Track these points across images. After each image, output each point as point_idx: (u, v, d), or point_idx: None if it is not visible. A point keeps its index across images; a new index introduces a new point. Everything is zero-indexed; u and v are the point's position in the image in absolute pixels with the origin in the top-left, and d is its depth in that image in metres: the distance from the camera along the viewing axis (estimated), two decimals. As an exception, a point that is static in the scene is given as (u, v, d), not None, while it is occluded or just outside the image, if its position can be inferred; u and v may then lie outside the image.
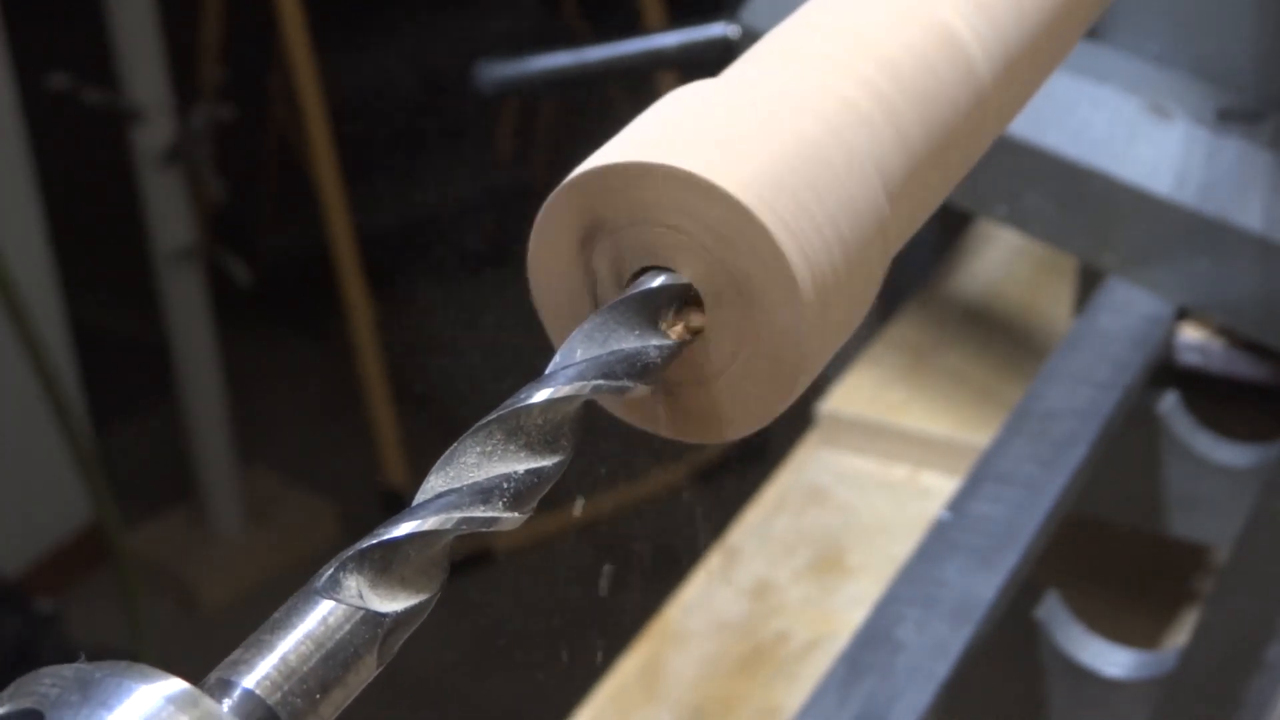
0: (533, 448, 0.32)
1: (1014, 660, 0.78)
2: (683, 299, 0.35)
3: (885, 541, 0.95)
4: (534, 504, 0.32)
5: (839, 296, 0.35)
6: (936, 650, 0.67)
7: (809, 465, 1.02)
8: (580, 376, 0.33)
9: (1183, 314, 0.88)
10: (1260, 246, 0.81)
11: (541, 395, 0.32)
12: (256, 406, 2.63)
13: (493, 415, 0.32)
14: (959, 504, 0.75)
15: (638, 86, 2.32)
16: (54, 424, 2.30)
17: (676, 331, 0.35)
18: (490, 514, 0.31)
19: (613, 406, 0.38)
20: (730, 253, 0.34)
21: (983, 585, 0.70)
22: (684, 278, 0.35)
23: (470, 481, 0.31)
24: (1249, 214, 0.82)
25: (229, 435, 2.35)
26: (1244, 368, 0.88)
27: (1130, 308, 0.88)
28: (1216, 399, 0.90)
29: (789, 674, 0.86)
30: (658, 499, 2.37)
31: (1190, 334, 0.89)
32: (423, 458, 2.32)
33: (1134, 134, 0.85)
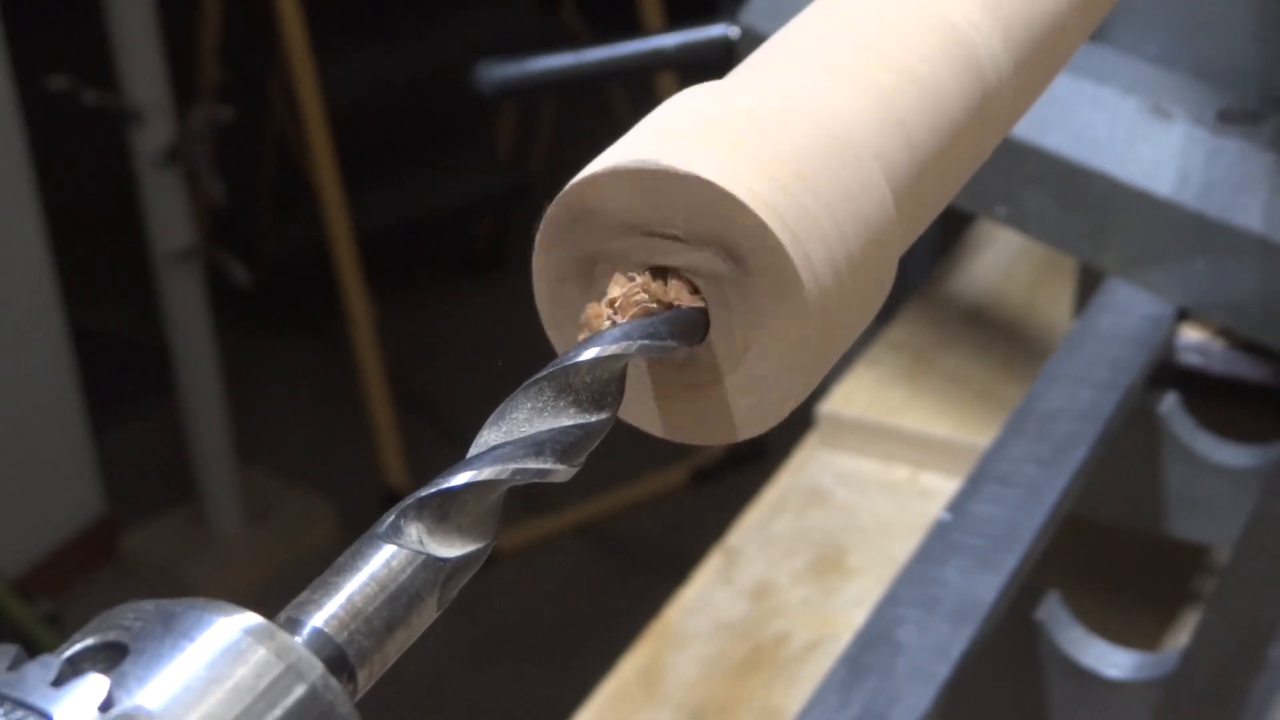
0: (581, 404, 0.33)
1: (1015, 661, 0.78)
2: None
3: (886, 542, 0.95)
4: (583, 458, 0.33)
5: (845, 299, 0.35)
6: (937, 651, 0.67)
7: (809, 466, 1.02)
8: (627, 336, 0.34)
9: (1183, 315, 0.88)
10: (1260, 247, 0.81)
11: (590, 353, 0.33)
12: (256, 406, 2.64)
13: (543, 373, 0.33)
14: (959, 505, 0.75)
15: (637, 87, 2.32)
16: (54, 424, 2.30)
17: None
18: (543, 465, 0.32)
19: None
20: (735, 255, 0.34)
21: (983, 586, 0.70)
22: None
23: (522, 435, 0.33)
24: (1249, 214, 0.82)
25: (229, 435, 2.35)
26: (1244, 368, 0.88)
27: (1130, 308, 0.88)
28: (1217, 400, 0.90)
29: (789, 675, 0.86)
30: (658, 500, 2.37)
31: (1190, 335, 0.89)
32: (423, 458, 2.33)
33: (1134, 135, 0.85)
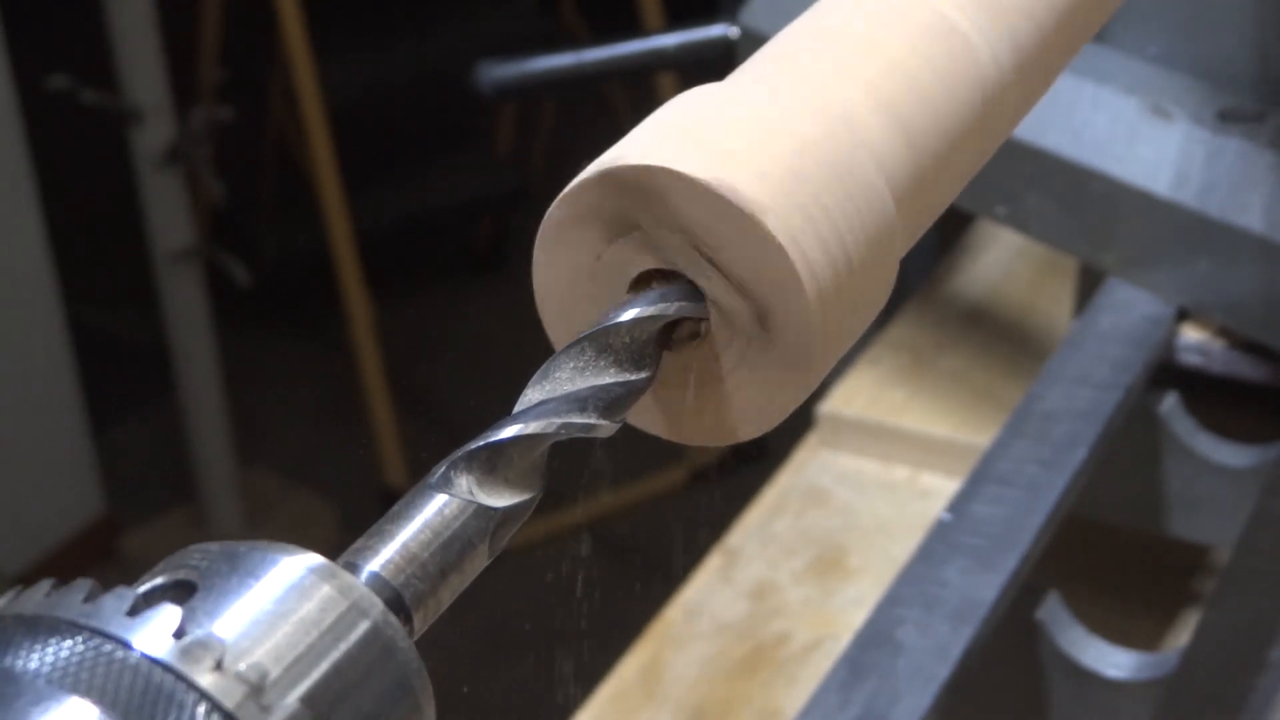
0: (621, 364, 0.34)
1: (1015, 662, 0.78)
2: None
3: (886, 543, 0.95)
4: (624, 414, 0.34)
5: (846, 300, 0.35)
6: (937, 652, 0.67)
7: (809, 466, 1.02)
8: (664, 299, 0.35)
9: (1183, 315, 0.88)
10: (1260, 246, 0.81)
11: (630, 314, 0.34)
12: (256, 407, 2.63)
13: (584, 334, 0.34)
14: (960, 505, 0.75)
15: (637, 87, 2.32)
16: (54, 424, 2.30)
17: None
18: (587, 420, 0.33)
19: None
20: (737, 257, 0.34)
21: (983, 586, 0.70)
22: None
23: (565, 392, 0.34)
24: (1249, 214, 0.82)
25: (229, 435, 2.35)
26: (1244, 368, 0.88)
27: (1130, 308, 0.87)
28: (1217, 400, 0.90)
29: (789, 675, 0.86)
30: (658, 500, 2.37)
31: (1191, 335, 0.89)
32: (423, 458, 2.32)
33: (1134, 135, 0.85)
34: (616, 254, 0.35)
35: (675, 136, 0.35)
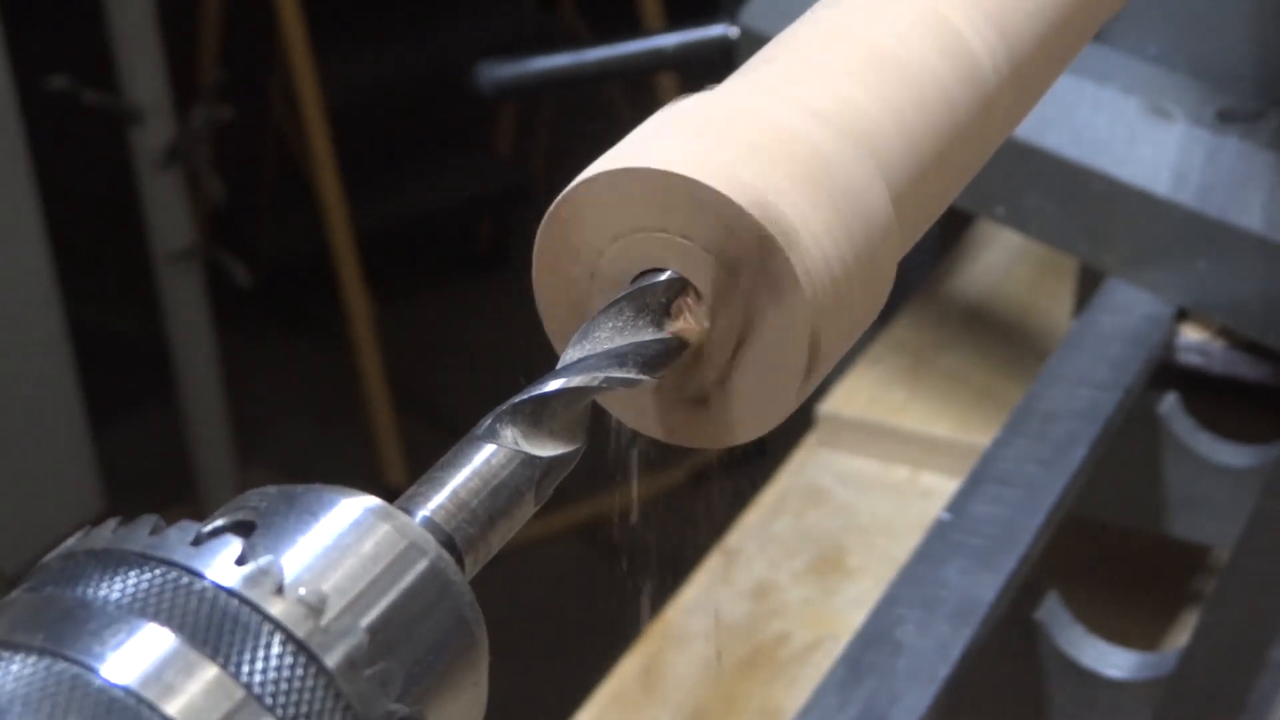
0: (659, 323, 0.35)
1: (1014, 661, 0.78)
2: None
3: (885, 542, 0.95)
4: (665, 370, 0.35)
5: (845, 301, 0.35)
6: (937, 651, 0.67)
7: (809, 466, 1.02)
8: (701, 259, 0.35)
9: (1183, 314, 0.88)
10: (1260, 246, 0.81)
11: (665, 274, 0.35)
12: (256, 406, 2.63)
13: (621, 295, 0.35)
14: (959, 505, 0.75)
15: (637, 87, 2.32)
16: (54, 424, 2.30)
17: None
18: (628, 375, 0.34)
19: (617, 411, 0.38)
20: (735, 257, 0.34)
21: (983, 586, 0.70)
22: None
23: (606, 349, 0.34)
24: (1249, 214, 0.82)
25: (229, 435, 2.34)
26: (1244, 368, 0.88)
27: (1130, 308, 0.87)
28: (1217, 400, 0.90)
29: (789, 675, 0.86)
30: (658, 500, 2.36)
31: (1190, 334, 0.89)
32: (423, 458, 2.32)
33: (1134, 134, 0.85)
34: (616, 255, 0.36)
35: (675, 138, 0.35)
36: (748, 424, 0.37)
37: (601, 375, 0.34)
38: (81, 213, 2.78)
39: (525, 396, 0.33)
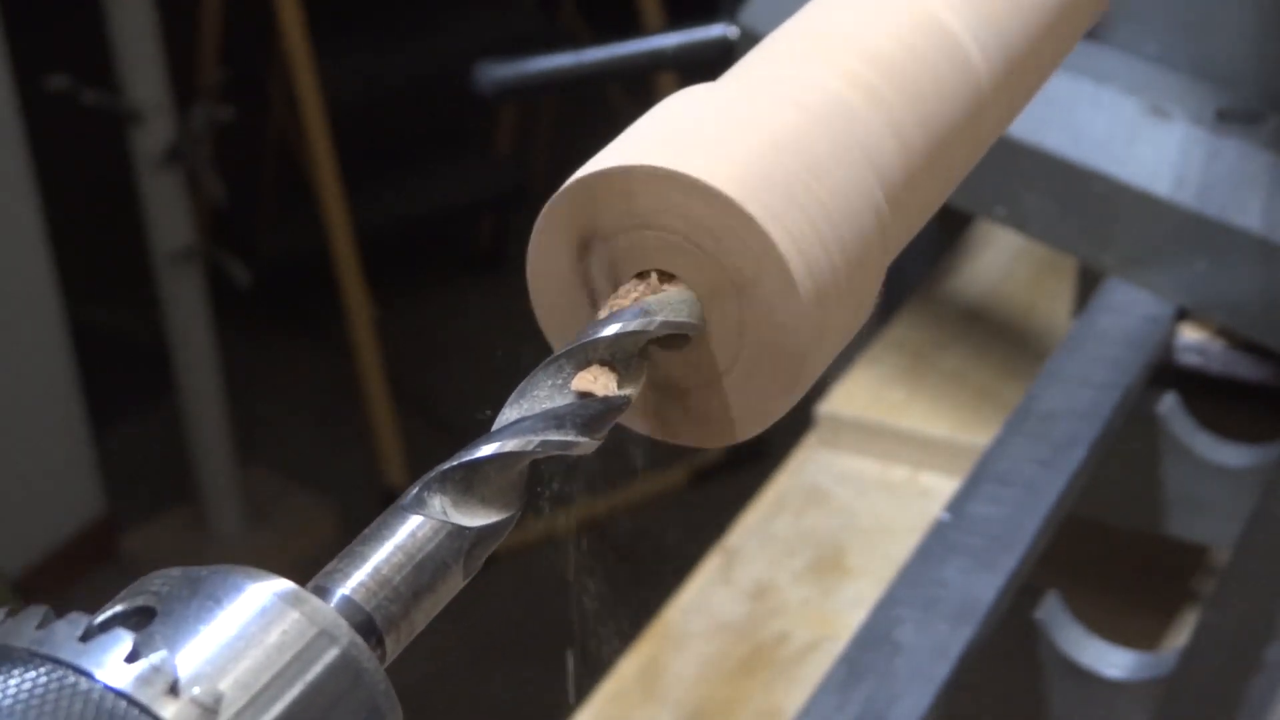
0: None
1: (1014, 662, 0.78)
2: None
3: (885, 542, 0.95)
4: (605, 431, 0.33)
5: (838, 297, 0.35)
6: (936, 652, 0.67)
7: (809, 466, 1.02)
8: (646, 313, 0.34)
9: (1182, 315, 0.88)
10: (1260, 246, 0.81)
11: (611, 329, 0.34)
12: (256, 406, 2.63)
13: (563, 350, 0.34)
14: (959, 505, 0.75)
15: (637, 87, 2.32)
16: (54, 424, 2.30)
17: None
18: (566, 437, 0.32)
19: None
20: (727, 254, 0.34)
21: (983, 586, 0.70)
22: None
23: (544, 409, 0.33)
24: (1249, 214, 0.82)
25: (229, 435, 2.35)
26: (1244, 369, 0.88)
27: (1130, 308, 0.87)
28: (1216, 400, 0.90)
29: (789, 675, 0.86)
30: (658, 500, 2.37)
31: (1190, 335, 0.89)
32: (423, 458, 2.32)
33: (1134, 135, 0.85)
34: (611, 254, 0.35)
35: (667, 136, 0.35)
36: (744, 423, 0.37)
37: (538, 439, 0.32)
38: (81, 213, 2.78)
39: (455, 463, 0.32)
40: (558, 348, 0.36)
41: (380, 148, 2.85)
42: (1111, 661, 0.77)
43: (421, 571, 0.31)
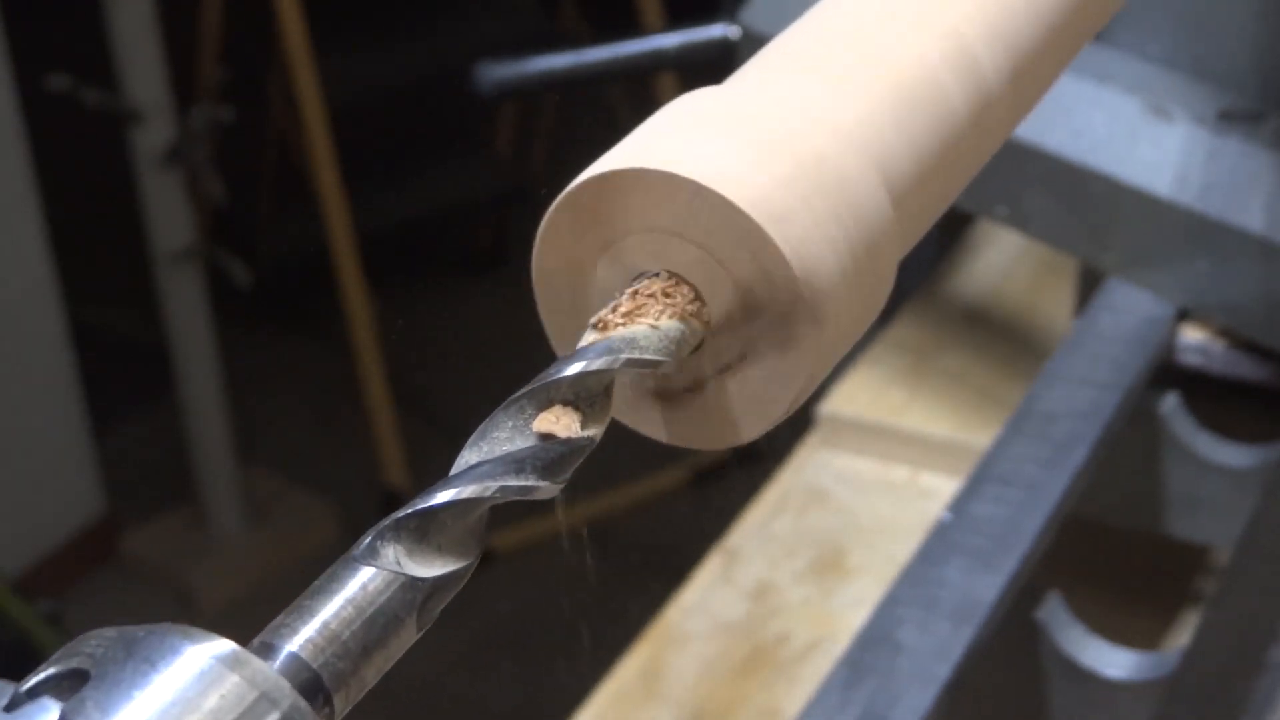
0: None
1: (1015, 662, 0.78)
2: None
3: (886, 543, 0.95)
4: (568, 474, 0.32)
5: (844, 300, 0.35)
6: (937, 652, 0.67)
7: (809, 466, 1.02)
8: (611, 350, 0.33)
9: (1183, 315, 0.88)
10: (1260, 247, 0.81)
11: (574, 368, 0.33)
12: (256, 407, 2.63)
13: (524, 390, 0.33)
14: (960, 505, 0.75)
15: (637, 87, 2.32)
16: (54, 424, 2.30)
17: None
18: (524, 482, 0.31)
19: (616, 411, 0.38)
20: (733, 257, 0.34)
21: (984, 586, 0.70)
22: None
23: (504, 452, 0.32)
24: (1249, 214, 0.82)
25: (229, 435, 2.35)
26: (1245, 369, 0.88)
27: (1131, 308, 0.87)
28: (1217, 400, 0.90)
29: (789, 676, 0.86)
30: (658, 500, 2.37)
31: (1191, 335, 0.89)
32: (423, 458, 2.33)
33: (1135, 135, 0.85)
34: (615, 256, 0.35)
35: (673, 139, 0.35)
36: (748, 425, 0.36)
37: (495, 485, 0.31)
38: (81, 213, 2.78)
39: (410, 511, 0.31)
40: (560, 348, 0.36)
41: (380, 148, 2.85)
42: (1112, 661, 0.77)
43: (372, 626, 0.30)
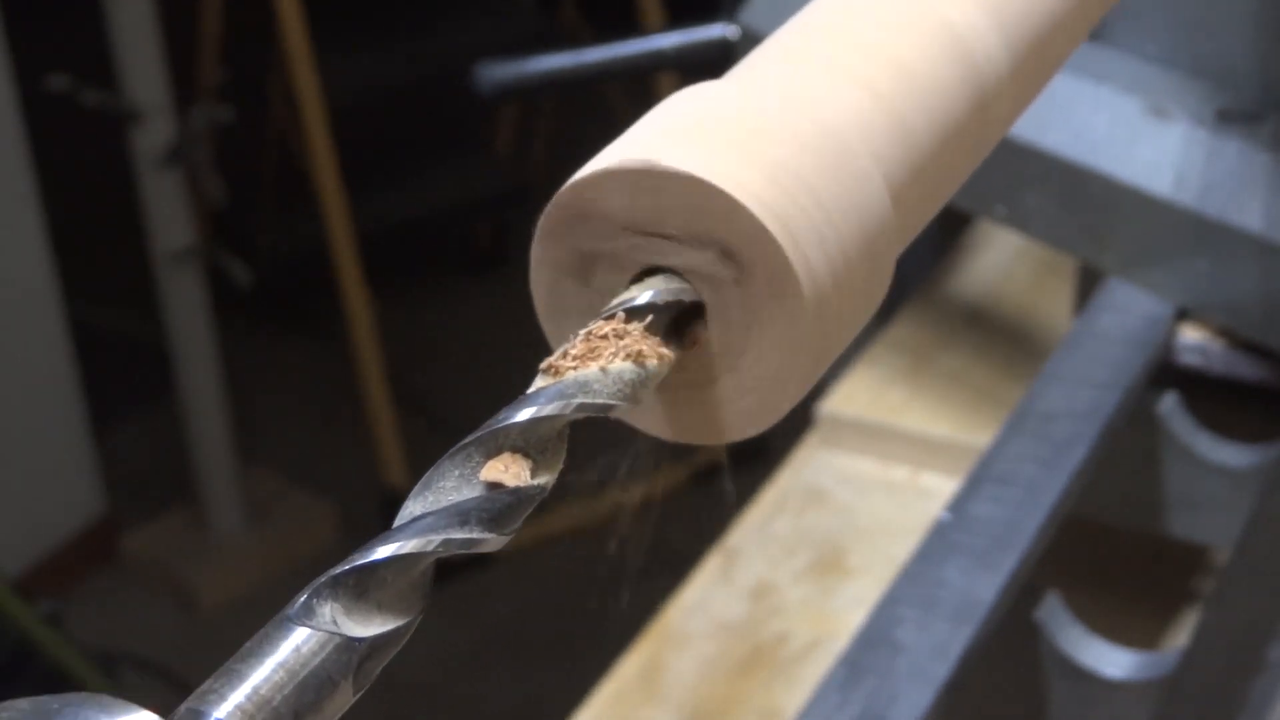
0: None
1: (1014, 661, 0.78)
2: (680, 311, 0.35)
3: (885, 542, 0.95)
4: (516, 525, 0.31)
5: (842, 299, 0.35)
6: (937, 652, 0.67)
7: (809, 466, 1.02)
8: (562, 395, 0.32)
9: (1183, 315, 0.88)
10: (1260, 247, 0.81)
11: (524, 415, 0.32)
12: (256, 407, 2.64)
13: (471, 437, 0.31)
14: (959, 505, 0.75)
15: (637, 87, 2.32)
16: (54, 424, 2.30)
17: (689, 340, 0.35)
18: (469, 535, 0.30)
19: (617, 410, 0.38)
20: (732, 256, 0.34)
21: (983, 586, 0.70)
22: (680, 293, 0.35)
23: (449, 503, 0.31)
24: (1249, 214, 0.82)
25: (229, 435, 2.35)
26: (1244, 368, 0.88)
27: (1130, 308, 0.88)
28: (1217, 400, 0.90)
29: (789, 675, 0.86)
30: (658, 500, 2.36)
31: (1190, 335, 0.89)
32: (423, 458, 2.33)
33: (1134, 134, 0.85)
34: (614, 253, 0.35)
35: (672, 134, 0.35)
36: (748, 421, 0.36)
37: (438, 539, 0.30)
38: (81, 213, 2.78)
39: (347, 567, 0.29)
40: (556, 343, 0.36)
41: (380, 148, 2.86)
42: (1112, 661, 0.77)
43: (305, 690, 0.28)
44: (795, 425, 1.07)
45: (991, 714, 0.80)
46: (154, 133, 2.11)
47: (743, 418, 0.36)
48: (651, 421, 0.38)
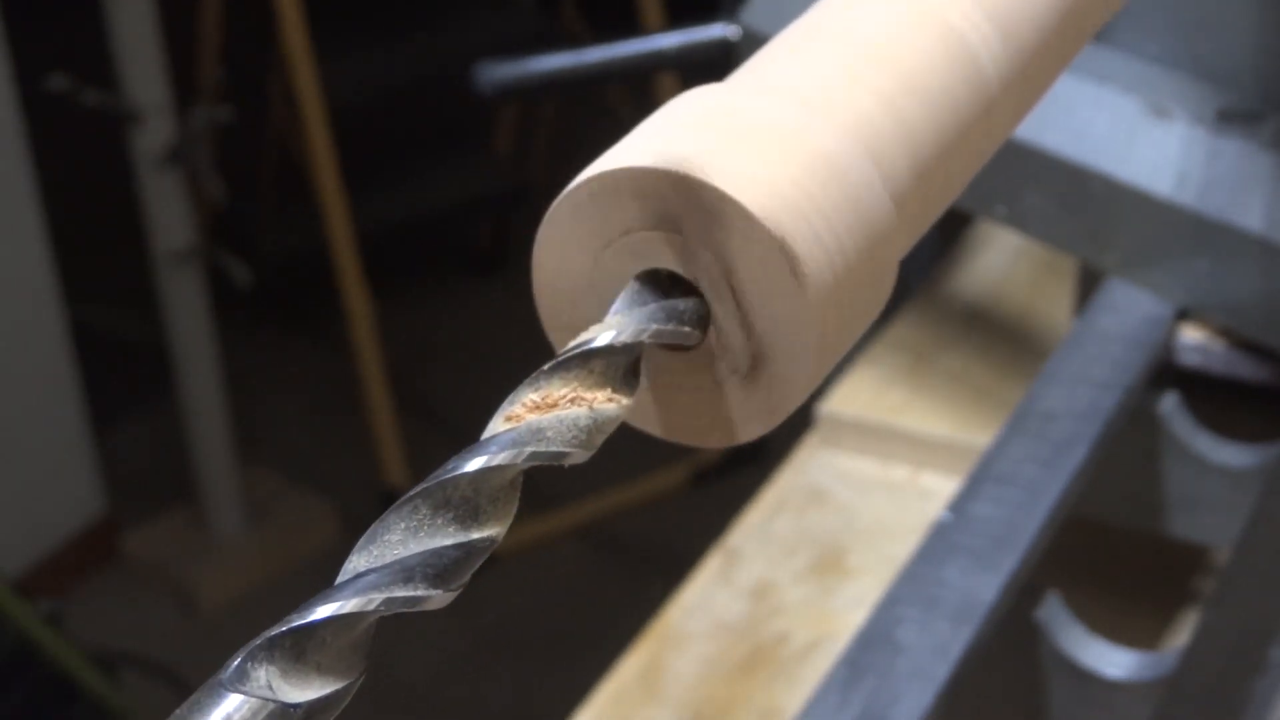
0: (462, 520, 0.30)
1: (1015, 662, 0.78)
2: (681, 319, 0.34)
3: (885, 542, 0.95)
4: (464, 580, 0.30)
5: (844, 303, 0.35)
6: (937, 652, 0.67)
7: (809, 466, 1.02)
8: (515, 444, 0.31)
9: (1183, 314, 0.88)
10: (1260, 247, 0.81)
11: (474, 464, 0.30)
12: (256, 406, 2.64)
13: (417, 489, 0.30)
14: (959, 505, 0.75)
15: (637, 88, 2.32)
16: (54, 424, 2.30)
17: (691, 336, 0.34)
18: (414, 593, 0.29)
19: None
20: (733, 257, 0.34)
21: (983, 586, 0.70)
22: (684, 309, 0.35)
23: (394, 559, 0.29)
24: (1249, 214, 0.82)
25: (229, 435, 2.35)
26: (1245, 368, 0.88)
27: (1130, 308, 0.88)
28: (1217, 400, 0.90)
29: (789, 675, 0.86)
30: (658, 500, 2.37)
31: (1191, 335, 0.89)
32: (423, 458, 2.33)
33: (1134, 134, 0.85)
34: (616, 254, 0.35)
35: (676, 136, 0.35)
36: (749, 423, 0.36)
37: (380, 598, 0.28)
38: (81, 213, 2.78)
39: (284, 628, 0.28)
40: (558, 343, 0.36)
41: (380, 148, 2.86)
42: (1112, 661, 0.77)
43: None
44: (795, 425, 1.07)
45: (991, 714, 0.80)
46: (154, 133, 2.11)
47: (744, 420, 0.36)
48: (653, 422, 0.38)
